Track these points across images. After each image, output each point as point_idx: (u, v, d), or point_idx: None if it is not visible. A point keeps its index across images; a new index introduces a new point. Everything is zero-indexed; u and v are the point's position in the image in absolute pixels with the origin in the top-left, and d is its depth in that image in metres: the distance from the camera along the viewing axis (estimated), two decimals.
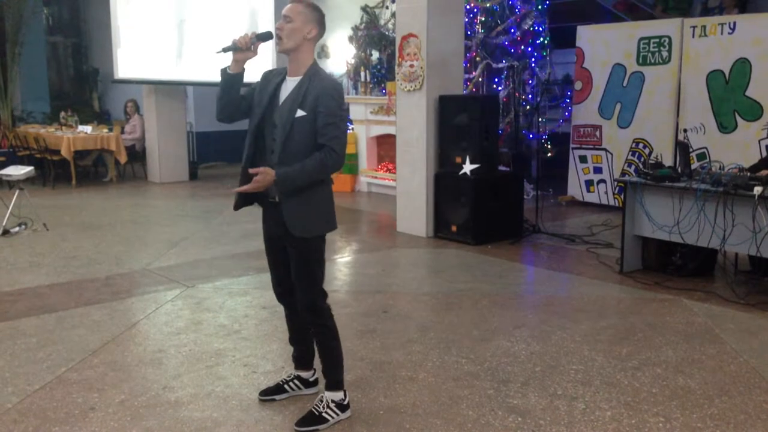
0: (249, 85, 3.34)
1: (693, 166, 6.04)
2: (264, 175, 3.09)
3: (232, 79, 3.23)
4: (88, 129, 11.34)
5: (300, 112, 3.17)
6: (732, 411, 3.49)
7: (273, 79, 3.31)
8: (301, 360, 3.67)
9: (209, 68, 9.82)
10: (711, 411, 3.49)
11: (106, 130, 11.50)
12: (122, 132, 11.69)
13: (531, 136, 9.53)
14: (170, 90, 11.39)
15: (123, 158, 11.30)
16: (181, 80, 11.05)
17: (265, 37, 3.23)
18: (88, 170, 11.89)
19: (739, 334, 4.53)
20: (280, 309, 3.66)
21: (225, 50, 3.22)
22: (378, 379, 3.89)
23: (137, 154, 11.87)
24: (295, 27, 3.18)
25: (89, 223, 8.18)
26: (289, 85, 3.26)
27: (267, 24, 10.42)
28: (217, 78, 3.31)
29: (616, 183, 8.55)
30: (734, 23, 7.64)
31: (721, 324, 4.71)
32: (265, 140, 3.27)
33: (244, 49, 3.19)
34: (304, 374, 3.68)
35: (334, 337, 3.41)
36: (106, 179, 11.57)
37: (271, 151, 3.24)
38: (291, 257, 3.32)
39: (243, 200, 3.36)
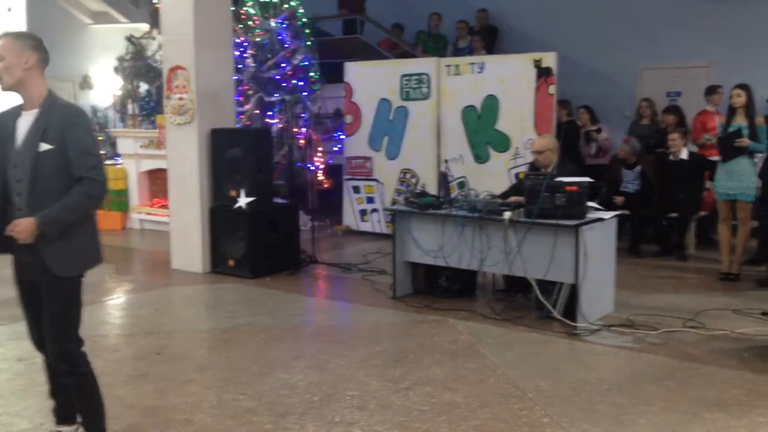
0: None
1: (453, 194, 6.51)
2: (25, 227, 2.89)
3: None
4: None
5: (44, 146, 2.98)
6: (492, 421, 3.77)
7: (9, 118, 3.08)
8: (63, 413, 3.41)
9: None
10: (474, 423, 3.75)
11: None
12: None
13: (301, 165, 9.68)
14: None
15: None
16: None
17: None
18: None
19: (497, 347, 4.93)
20: (38, 361, 3.38)
21: None
22: (150, 425, 3.71)
23: None
24: (9, 64, 2.99)
25: None
26: (26, 119, 3.05)
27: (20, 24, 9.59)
28: None
29: (387, 212, 8.96)
30: (483, 63, 8.40)
31: (481, 339, 5.09)
32: (9, 184, 3.02)
33: None
34: (65, 429, 3.42)
35: (93, 386, 3.22)
36: None
37: (17, 194, 3.01)
38: (46, 301, 3.08)
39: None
